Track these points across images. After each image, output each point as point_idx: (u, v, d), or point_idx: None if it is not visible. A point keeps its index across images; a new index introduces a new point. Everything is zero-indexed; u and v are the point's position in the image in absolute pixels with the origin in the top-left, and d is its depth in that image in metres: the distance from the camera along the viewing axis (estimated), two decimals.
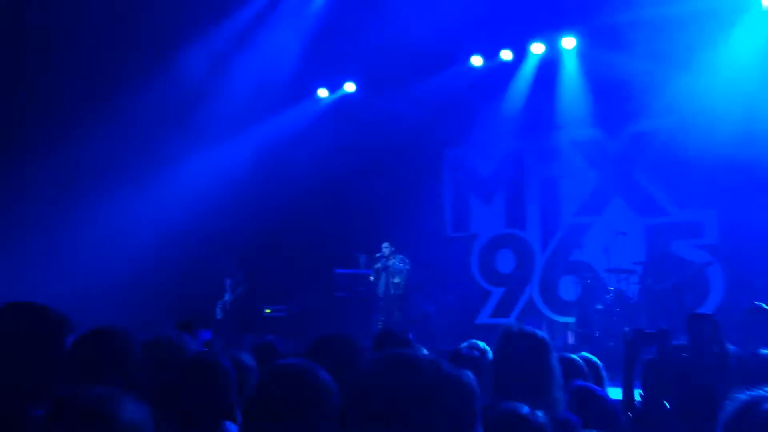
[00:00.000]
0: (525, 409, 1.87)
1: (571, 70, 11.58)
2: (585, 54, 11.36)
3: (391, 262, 10.56)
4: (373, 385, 1.31)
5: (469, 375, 1.41)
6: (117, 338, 2.46)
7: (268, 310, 11.93)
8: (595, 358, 3.96)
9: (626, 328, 3.90)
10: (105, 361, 2.36)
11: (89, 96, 10.11)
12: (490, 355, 3.23)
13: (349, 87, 12.84)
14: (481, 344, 3.84)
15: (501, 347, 2.70)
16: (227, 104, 11.85)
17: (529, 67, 11.97)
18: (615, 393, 4.56)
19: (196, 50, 10.87)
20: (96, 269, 9.85)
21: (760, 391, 1.63)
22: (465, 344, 3.77)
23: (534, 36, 11.28)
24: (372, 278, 10.73)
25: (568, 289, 11.80)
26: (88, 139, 9.96)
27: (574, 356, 3.75)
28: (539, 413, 1.96)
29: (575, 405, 2.77)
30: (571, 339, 11.00)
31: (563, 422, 2.34)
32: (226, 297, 11.64)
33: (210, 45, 10.92)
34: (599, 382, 3.70)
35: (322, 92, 12.98)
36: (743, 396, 1.64)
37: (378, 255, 10.79)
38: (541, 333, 2.84)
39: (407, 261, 10.77)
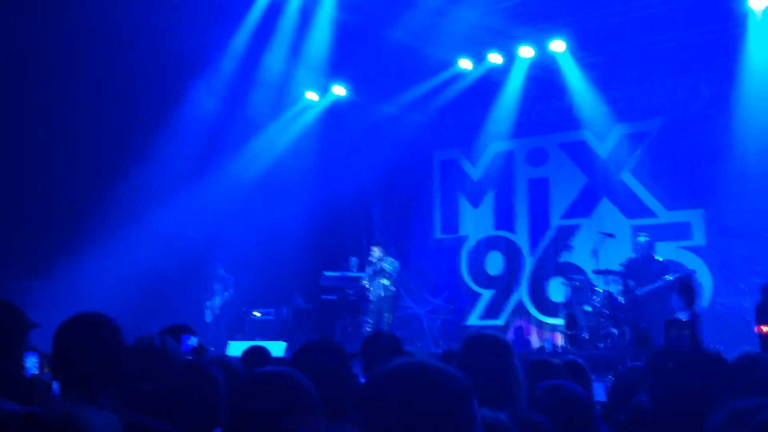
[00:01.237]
0: (486, 413, 1.88)
1: (559, 73, 11.63)
2: (573, 57, 11.41)
3: (380, 265, 10.56)
4: (385, 398, 1.32)
5: (465, 378, 1.42)
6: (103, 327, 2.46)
7: (257, 314, 11.92)
8: (580, 360, 3.98)
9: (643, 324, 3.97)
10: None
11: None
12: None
13: (338, 90, 12.85)
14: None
15: (464, 351, 2.76)
16: (228, 120, 12.04)
17: (517, 71, 12.01)
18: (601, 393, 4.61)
19: (207, 82, 11.43)
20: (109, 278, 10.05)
21: (751, 401, 1.61)
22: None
23: (523, 39, 11.31)
24: (365, 282, 10.73)
25: (557, 290, 11.85)
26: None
27: (551, 359, 3.79)
28: (501, 415, 1.98)
29: (545, 403, 2.82)
30: (559, 341, 11.05)
31: (527, 421, 2.38)
32: (216, 301, 11.62)
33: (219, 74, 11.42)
34: (585, 383, 3.71)
35: (311, 95, 12.97)
36: (733, 405, 1.62)
37: (369, 258, 10.80)
38: (501, 336, 2.90)
39: (397, 263, 10.79)
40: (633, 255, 10.07)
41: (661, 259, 9.78)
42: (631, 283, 9.68)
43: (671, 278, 9.37)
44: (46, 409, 1.45)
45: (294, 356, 2.70)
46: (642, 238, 9.96)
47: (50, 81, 9.78)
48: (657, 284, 9.41)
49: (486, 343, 2.77)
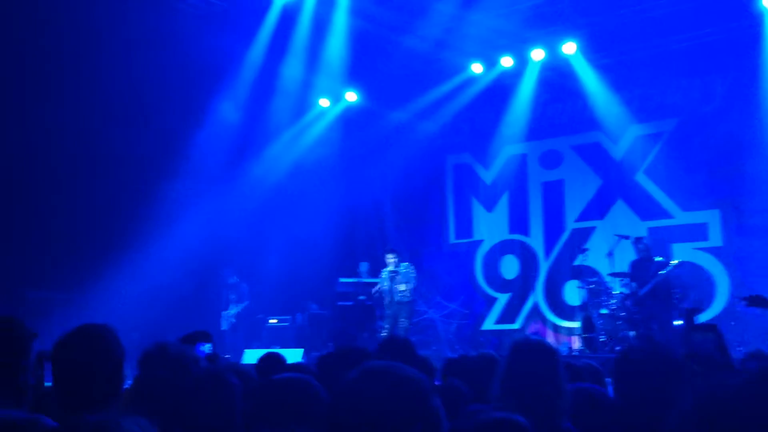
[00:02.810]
0: (520, 419, 1.88)
1: (572, 75, 11.60)
2: (586, 58, 11.38)
3: (395, 270, 10.56)
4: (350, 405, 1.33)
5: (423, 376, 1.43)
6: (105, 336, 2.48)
7: (273, 321, 11.94)
8: (595, 364, 3.96)
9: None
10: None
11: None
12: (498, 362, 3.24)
13: (351, 96, 12.89)
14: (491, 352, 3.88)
15: (512, 358, 2.73)
16: (247, 130, 12.19)
17: (530, 74, 12.00)
18: None
19: (226, 94, 11.63)
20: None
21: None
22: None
23: (535, 42, 11.30)
24: (381, 287, 10.74)
25: (572, 294, 11.79)
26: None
27: (576, 362, 3.76)
28: (519, 417, 1.97)
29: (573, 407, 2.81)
30: (576, 344, 10.99)
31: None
32: (231, 309, 11.66)
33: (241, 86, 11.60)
34: (601, 386, 3.69)
35: (324, 102, 13.02)
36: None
37: (387, 264, 10.81)
38: (551, 344, 2.88)
39: (412, 268, 10.78)
40: (635, 258, 10.02)
41: (659, 259, 9.76)
42: (634, 285, 9.78)
43: (664, 273, 9.47)
44: (83, 421, 1.47)
45: (318, 364, 2.69)
46: (638, 241, 9.96)
47: (76, 96, 9.90)
48: (652, 282, 9.47)
49: (534, 350, 2.75)
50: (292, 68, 11.56)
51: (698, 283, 10.49)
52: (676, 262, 9.71)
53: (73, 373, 2.31)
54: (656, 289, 9.49)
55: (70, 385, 2.31)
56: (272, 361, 4.11)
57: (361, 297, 11.72)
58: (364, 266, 12.27)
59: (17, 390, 2.27)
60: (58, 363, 2.37)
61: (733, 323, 9.58)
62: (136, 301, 9.98)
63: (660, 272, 9.50)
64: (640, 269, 9.77)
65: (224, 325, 11.65)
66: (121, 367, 2.38)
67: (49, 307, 9.40)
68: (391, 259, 10.61)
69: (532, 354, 2.72)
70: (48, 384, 2.82)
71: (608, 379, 4.04)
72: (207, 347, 3.27)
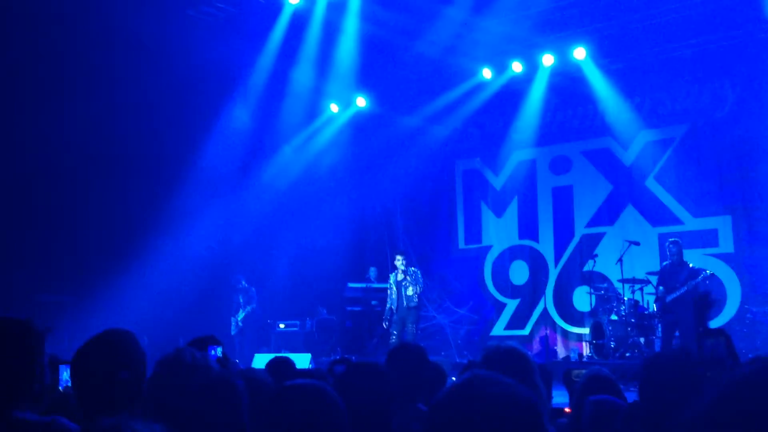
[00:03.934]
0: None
1: (582, 80, 11.58)
2: (596, 64, 11.37)
3: (404, 275, 10.56)
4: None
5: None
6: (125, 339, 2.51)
7: (281, 326, 11.96)
8: (606, 371, 3.94)
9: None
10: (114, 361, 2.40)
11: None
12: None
13: (360, 102, 12.91)
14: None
15: (485, 366, 2.73)
16: (258, 135, 12.25)
17: (540, 79, 11.99)
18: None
19: (238, 99, 11.78)
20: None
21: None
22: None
23: (545, 48, 11.30)
24: (390, 291, 10.74)
25: (582, 300, 11.75)
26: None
27: (608, 373, 3.73)
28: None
29: (592, 416, 2.81)
30: (585, 350, 10.95)
31: None
32: (239, 314, 11.69)
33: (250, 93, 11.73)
34: (617, 393, 3.68)
35: (334, 107, 13.06)
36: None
37: (394, 269, 10.81)
38: (522, 348, 2.87)
39: (420, 273, 10.78)
40: (666, 261, 9.78)
41: (692, 265, 9.53)
42: (661, 289, 9.49)
43: (696, 282, 9.17)
44: (97, 425, 1.48)
45: (341, 378, 2.69)
46: (672, 245, 9.70)
47: (88, 103, 9.99)
48: (682, 290, 9.16)
49: (506, 356, 2.75)
50: (303, 74, 11.61)
51: (720, 296, 10.28)
52: (710, 272, 9.43)
53: (95, 378, 2.33)
54: (685, 297, 9.13)
55: (91, 390, 2.33)
56: (281, 366, 4.10)
57: (373, 302, 11.71)
58: (373, 271, 12.27)
59: (33, 391, 2.29)
60: (80, 367, 2.39)
61: (745, 330, 9.52)
62: (146, 305, 10.03)
63: (691, 281, 9.21)
64: (671, 273, 9.47)
65: (233, 330, 11.68)
66: (142, 373, 2.40)
67: (59, 311, 9.47)
68: (399, 260, 10.60)
69: (504, 361, 2.71)
70: (61, 388, 2.84)
71: (622, 385, 4.03)
72: (218, 350, 3.27)
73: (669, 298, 9.26)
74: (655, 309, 9.64)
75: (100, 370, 2.34)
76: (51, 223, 10.10)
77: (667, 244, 9.77)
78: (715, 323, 9.76)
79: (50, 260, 9.95)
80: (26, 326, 2.49)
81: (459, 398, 1.32)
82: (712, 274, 9.45)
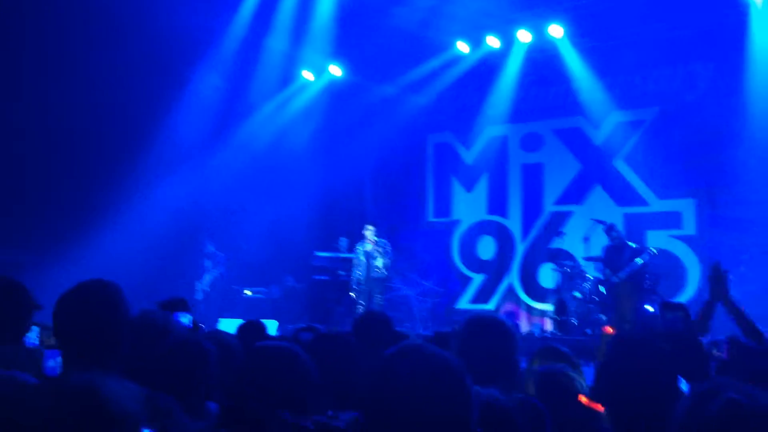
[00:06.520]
0: (480, 389, 1.92)
1: (557, 58, 11.62)
2: (571, 42, 11.40)
3: (372, 246, 10.58)
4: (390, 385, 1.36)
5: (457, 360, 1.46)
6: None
7: (248, 292, 11.94)
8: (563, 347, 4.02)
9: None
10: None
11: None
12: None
13: (335, 70, 12.80)
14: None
15: (467, 334, 2.77)
16: (228, 101, 12.06)
17: (515, 56, 12.00)
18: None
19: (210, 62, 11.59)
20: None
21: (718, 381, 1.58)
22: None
23: (521, 23, 11.28)
24: (357, 261, 10.76)
25: (547, 276, 11.91)
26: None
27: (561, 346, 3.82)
28: (494, 391, 2.01)
29: (543, 388, 2.88)
30: (548, 326, 11.13)
31: (521, 401, 2.41)
32: (205, 278, 11.63)
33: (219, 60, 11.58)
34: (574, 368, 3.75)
35: (308, 75, 12.92)
36: (700, 386, 1.61)
37: (362, 239, 10.82)
38: (507, 320, 2.93)
39: (389, 245, 10.81)
40: (609, 243, 10.12)
41: (633, 246, 9.89)
42: (607, 271, 9.87)
43: (641, 262, 9.62)
44: (68, 379, 1.48)
45: (310, 344, 2.72)
46: (612, 230, 10.06)
47: (57, 68, 9.80)
48: (629, 269, 9.59)
49: (488, 325, 2.80)
50: (277, 40, 11.45)
51: (670, 271, 10.64)
52: (655, 250, 9.84)
53: (75, 328, 2.30)
54: (630, 276, 9.63)
55: (71, 341, 2.30)
56: (254, 330, 4.11)
57: (340, 272, 11.74)
58: (343, 241, 12.28)
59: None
60: (60, 317, 2.34)
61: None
62: (110, 267, 9.89)
63: (636, 259, 9.62)
64: (614, 255, 9.90)
65: (199, 295, 11.64)
66: (123, 327, 2.36)
67: (19, 271, 9.31)
68: (369, 231, 10.60)
69: (486, 330, 2.76)
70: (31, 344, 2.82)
71: (581, 361, 4.11)
72: (187, 318, 3.27)
73: (615, 279, 9.67)
74: (604, 291, 9.92)
75: (80, 320, 2.30)
76: (13, 180, 9.90)
77: (605, 229, 10.02)
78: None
79: (17, 220, 9.78)
80: (17, 289, 2.45)
81: (389, 369, 1.38)
82: (659, 251, 9.84)
